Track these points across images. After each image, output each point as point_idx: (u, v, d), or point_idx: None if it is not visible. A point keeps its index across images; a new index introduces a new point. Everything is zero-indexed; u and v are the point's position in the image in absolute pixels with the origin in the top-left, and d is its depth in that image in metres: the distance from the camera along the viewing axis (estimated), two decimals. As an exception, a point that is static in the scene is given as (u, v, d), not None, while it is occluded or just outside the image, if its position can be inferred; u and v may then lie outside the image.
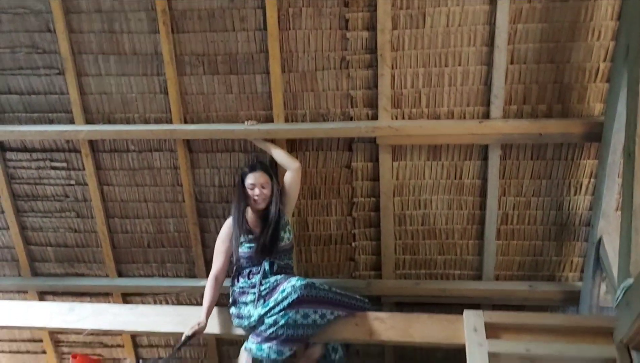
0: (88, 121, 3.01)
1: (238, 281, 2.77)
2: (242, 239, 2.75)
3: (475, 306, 2.73)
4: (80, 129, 2.99)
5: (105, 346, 3.57)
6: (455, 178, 2.95)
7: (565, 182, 2.87)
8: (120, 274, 3.35)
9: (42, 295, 3.45)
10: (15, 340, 3.64)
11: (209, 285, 2.72)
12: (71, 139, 3.05)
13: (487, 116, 2.78)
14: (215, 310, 2.82)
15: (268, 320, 2.56)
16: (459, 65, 2.73)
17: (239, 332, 2.74)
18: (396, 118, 2.85)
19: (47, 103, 3.02)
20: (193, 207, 3.12)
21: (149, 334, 3.40)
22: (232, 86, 2.89)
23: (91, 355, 3.56)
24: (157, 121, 2.99)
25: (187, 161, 3.03)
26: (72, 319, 2.90)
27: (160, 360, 3.09)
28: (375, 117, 2.86)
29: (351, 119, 2.89)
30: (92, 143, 3.06)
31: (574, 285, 3.01)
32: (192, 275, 3.30)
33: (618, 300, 2.23)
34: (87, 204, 3.20)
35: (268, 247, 2.68)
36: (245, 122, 2.89)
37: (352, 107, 2.87)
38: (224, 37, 2.80)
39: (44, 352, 3.62)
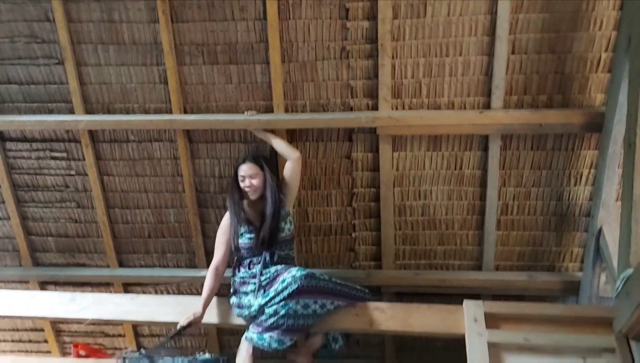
0: (88, 111, 3.00)
1: (239, 271, 2.78)
2: (242, 230, 2.76)
3: (475, 296, 2.74)
4: (80, 119, 2.98)
5: (107, 335, 3.59)
6: (455, 169, 2.95)
7: (565, 172, 2.87)
8: (121, 264, 3.36)
9: (44, 285, 3.46)
10: (17, 330, 3.66)
11: (208, 276, 2.73)
12: (71, 129, 3.05)
13: (487, 106, 2.77)
14: (215, 300, 2.83)
15: (268, 310, 2.57)
16: (460, 55, 2.71)
17: (240, 321, 2.76)
18: (396, 108, 2.84)
19: (47, 93, 3.01)
20: (193, 197, 3.12)
21: (150, 324, 3.42)
22: (231, 76, 2.88)
23: (92, 345, 3.58)
24: (157, 111, 2.98)
25: (187, 152, 3.03)
26: (74, 309, 2.92)
27: (152, 349, 3.10)
28: (375, 107, 2.85)
29: (351, 109, 2.88)
30: (92, 133, 3.06)
31: (573, 275, 3.02)
32: (192, 265, 3.31)
33: (618, 290, 2.24)
34: (88, 195, 3.20)
35: (268, 239, 2.68)
36: (245, 113, 2.88)
37: (352, 97, 2.86)
38: (224, 27, 2.78)
39: (45, 342, 3.64)
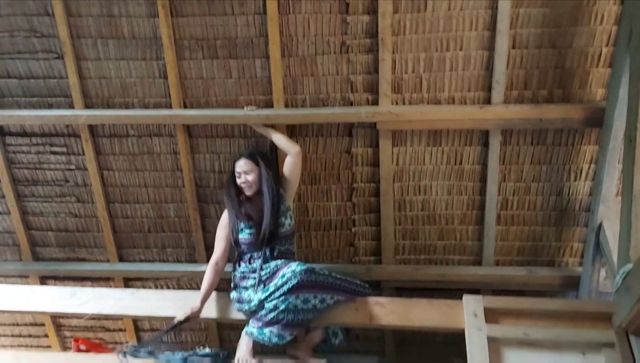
0: (87, 106, 3.00)
1: (239, 266, 2.78)
2: (242, 225, 2.76)
3: (475, 291, 2.74)
4: (80, 114, 2.98)
5: (107, 330, 3.60)
6: (455, 164, 2.95)
7: (565, 168, 2.87)
8: (121, 259, 3.36)
9: (44, 280, 3.46)
10: (18, 325, 3.66)
11: (208, 271, 2.74)
12: (71, 123, 3.05)
13: (488, 101, 2.77)
14: (216, 294, 2.84)
15: (268, 305, 2.58)
16: (461, 50, 2.71)
17: (240, 316, 2.76)
18: (397, 103, 2.84)
19: (46, 87, 3.00)
20: (193, 192, 3.12)
21: (150, 318, 3.43)
22: (231, 70, 2.87)
23: (93, 339, 3.59)
24: (157, 105, 2.98)
25: (187, 147, 3.03)
26: (74, 303, 2.92)
27: (146, 341, 3.11)
28: (375, 102, 2.84)
29: (351, 104, 2.88)
30: (91, 128, 3.05)
31: (573, 270, 3.03)
32: (192, 260, 3.31)
33: (617, 285, 2.25)
34: (88, 189, 3.20)
35: (268, 235, 2.68)
36: (245, 108, 2.88)
37: (352, 92, 2.86)
38: (224, 21, 2.77)
39: (46, 336, 3.65)
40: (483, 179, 2.93)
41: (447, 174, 2.97)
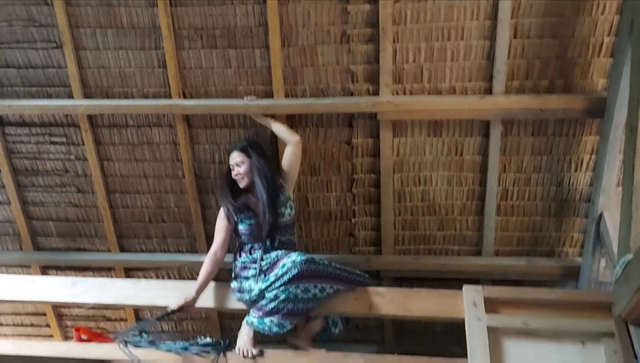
0: (86, 96, 2.99)
1: (240, 256, 2.79)
2: (241, 216, 2.76)
3: (474, 281, 2.75)
4: (79, 104, 2.97)
5: (108, 320, 3.61)
6: (455, 155, 2.94)
7: (566, 158, 2.86)
8: (122, 249, 3.37)
9: (45, 270, 3.47)
10: (19, 314, 3.68)
11: (206, 261, 2.75)
12: (70, 113, 3.04)
13: (489, 91, 2.76)
14: (217, 284, 2.85)
15: (269, 295, 2.59)
16: (462, 39, 2.69)
17: (241, 305, 2.77)
18: (397, 94, 2.83)
19: (45, 77, 2.99)
20: (193, 183, 3.12)
21: (151, 308, 3.43)
22: (230, 60, 2.86)
23: (94, 329, 3.61)
24: (156, 95, 2.96)
25: (187, 137, 3.02)
26: (75, 293, 2.93)
27: (134, 327, 3.13)
28: (376, 92, 2.83)
29: (352, 94, 2.87)
30: (91, 118, 3.05)
31: (573, 260, 3.03)
32: (193, 250, 3.32)
33: (617, 275, 2.25)
34: (88, 180, 3.20)
35: (269, 228, 2.68)
36: (245, 98, 2.87)
37: (352, 82, 2.85)
38: (223, 11, 2.75)
39: (47, 326, 3.67)
40: (483, 169, 2.93)
41: (448, 165, 2.97)
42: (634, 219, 2.15)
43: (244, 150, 2.77)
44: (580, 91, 2.71)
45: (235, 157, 2.77)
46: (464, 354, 2.33)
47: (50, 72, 2.98)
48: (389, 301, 2.67)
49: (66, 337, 3.67)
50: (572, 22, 2.60)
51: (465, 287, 2.52)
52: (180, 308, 2.65)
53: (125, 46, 2.87)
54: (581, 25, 2.59)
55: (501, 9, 2.58)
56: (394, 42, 2.72)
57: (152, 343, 2.64)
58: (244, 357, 2.56)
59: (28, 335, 3.74)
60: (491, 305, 2.43)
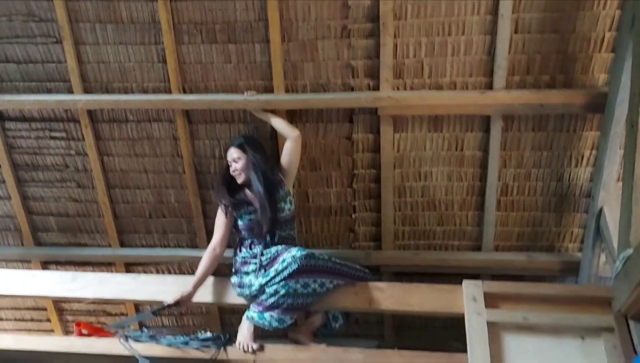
0: (86, 91, 2.98)
1: (240, 251, 2.80)
2: (241, 211, 2.76)
3: (474, 276, 2.75)
4: (79, 99, 2.96)
5: (109, 314, 3.62)
6: (456, 150, 2.94)
7: (566, 154, 2.86)
8: (122, 244, 3.37)
9: (45, 265, 3.48)
10: (20, 309, 3.69)
11: (205, 256, 2.76)
12: (70, 108, 3.03)
13: (489, 86, 2.75)
14: (217, 279, 2.86)
15: (269, 290, 2.59)
16: (463, 34, 2.68)
17: (241, 300, 2.78)
18: (398, 89, 2.82)
19: (45, 72, 2.98)
20: (193, 178, 3.12)
21: (151, 303, 3.44)
22: (230, 55, 2.85)
23: (95, 324, 3.61)
24: (156, 90, 2.96)
25: (187, 132, 3.02)
26: (76, 288, 2.94)
27: (129, 318, 3.15)
28: (376, 87, 2.83)
29: (352, 89, 2.86)
30: (90, 113, 3.04)
31: (573, 255, 3.03)
32: (193, 245, 3.32)
33: (617, 270, 2.26)
34: (88, 175, 3.20)
35: (267, 224, 2.68)
36: (245, 93, 2.86)
37: (353, 77, 2.84)
38: (222, 5, 2.74)
39: (48, 320, 3.68)
40: (483, 165, 2.93)
41: (448, 160, 2.96)
42: (634, 214, 2.15)
43: (240, 146, 2.78)
44: (581, 86, 2.71)
45: (232, 153, 2.77)
46: (463, 349, 2.34)
47: (50, 67, 2.97)
48: (389, 296, 2.67)
49: (67, 332, 3.68)
50: (573, 17, 2.59)
51: (465, 282, 2.52)
52: (177, 303, 2.66)
53: (125, 40, 2.87)
54: (582, 20, 2.58)
55: (502, 4, 2.57)
56: (394, 36, 2.71)
57: (152, 338, 2.65)
58: (244, 351, 2.57)
59: (29, 330, 3.75)
60: (491, 300, 2.44)
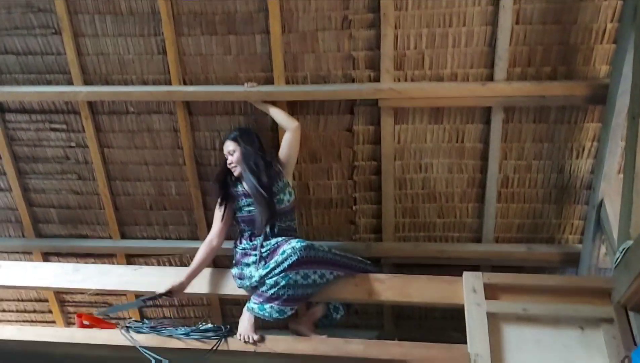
0: (86, 82, 2.97)
1: (240, 243, 2.80)
2: (241, 203, 2.77)
3: (474, 267, 2.76)
4: (79, 90, 2.96)
5: (110, 306, 3.63)
6: (456, 142, 2.93)
7: (567, 145, 2.86)
8: (123, 236, 3.38)
9: (47, 256, 3.49)
10: (22, 300, 3.71)
11: (201, 248, 2.77)
12: (70, 100, 3.03)
13: (490, 78, 2.74)
14: (218, 271, 2.87)
15: (269, 281, 2.60)
16: (464, 25, 2.67)
17: (241, 292, 2.79)
18: (398, 80, 2.81)
19: (44, 64, 2.97)
20: (194, 170, 3.12)
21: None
22: (230, 46, 2.83)
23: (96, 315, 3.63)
24: (156, 82, 2.95)
25: (187, 124, 3.01)
26: (77, 279, 2.95)
27: (113, 307, 3.17)
28: (377, 79, 2.82)
29: (353, 81, 2.85)
30: (91, 105, 3.03)
31: (573, 247, 3.04)
32: (194, 237, 3.33)
33: (617, 262, 2.26)
34: (88, 167, 3.20)
35: (265, 216, 2.68)
36: (245, 84, 2.86)
37: (353, 69, 2.83)
38: (223, -4, 2.74)
39: (50, 312, 3.70)
40: (484, 157, 2.93)
41: (448, 152, 2.96)
42: (635, 206, 2.15)
43: (235, 139, 2.79)
44: (583, 77, 2.70)
45: (228, 146, 2.79)
46: (463, 340, 2.35)
47: (50, 59, 2.96)
48: (389, 288, 2.68)
49: (68, 323, 3.70)
50: (574, 8, 2.57)
51: (465, 273, 2.53)
52: (169, 292, 2.67)
53: (124, 32, 2.85)
54: (584, 11, 2.57)
55: (503, -5, 2.56)
56: (395, 28, 2.70)
57: (153, 329, 2.66)
58: (245, 342, 2.58)
59: (31, 321, 3.77)
60: (491, 291, 2.45)
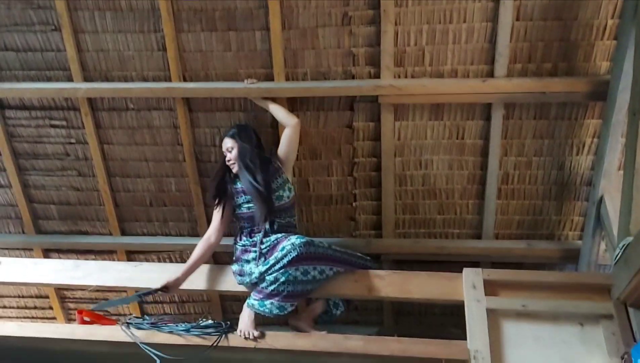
0: (86, 79, 2.97)
1: (240, 239, 2.81)
2: (240, 200, 2.77)
3: (474, 264, 2.76)
4: (79, 87, 2.95)
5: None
6: (457, 138, 2.93)
7: (567, 142, 2.85)
8: (123, 232, 3.38)
9: (47, 253, 3.49)
10: (22, 297, 3.71)
11: (199, 244, 2.78)
12: (70, 97, 3.02)
13: (491, 74, 2.74)
14: (218, 267, 2.87)
15: (269, 278, 2.61)
16: (464, 22, 2.67)
17: (242, 288, 2.79)
18: (399, 77, 2.81)
19: (44, 60, 2.97)
20: (194, 166, 3.12)
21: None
22: (230, 43, 2.83)
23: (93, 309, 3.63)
24: (156, 79, 2.95)
25: (187, 120, 3.01)
26: (78, 276, 2.96)
27: (109, 301, 3.18)
28: (377, 75, 2.81)
29: (353, 77, 2.85)
30: (91, 101, 3.03)
31: (573, 243, 3.04)
32: (194, 234, 3.33)
33: (617, 258, 2.26)
34: (88, 163, 3.20)
35: (263, 212, 2.68)
36: (245, 81, 2.85)
37: (354, 65, 2.82)
38: (223, -8, 2.73)
39: (50, 308, 3.70)
40: (484, 153, 2.93)
41: (449, 148, 2.96)
42: (635, 202, 2.15)
43: (233, 136, 2.79)
44: (583, 74, 2.69)
45: (227, 143, 2.80)
46: (462, 336, 2.36)
47: (49, 55, 2.96)
48: (389, 284, 2.69)
49: (69, 320, 3.71)
50: (575, 5, 2.57)
51: (465, 270, 2.53)
52: (165, 288, 2.68)
53: (124, 28, 2.85)
54: (585, 7, 2.57)
55: (504, -9, 2.56)
56: (395, 24, 2.69)
57: (153, 326, 2.66)
58: (245, 338, 2.58)
59: (32, 317, 3.78)
60: (490, 288, 2.45)
